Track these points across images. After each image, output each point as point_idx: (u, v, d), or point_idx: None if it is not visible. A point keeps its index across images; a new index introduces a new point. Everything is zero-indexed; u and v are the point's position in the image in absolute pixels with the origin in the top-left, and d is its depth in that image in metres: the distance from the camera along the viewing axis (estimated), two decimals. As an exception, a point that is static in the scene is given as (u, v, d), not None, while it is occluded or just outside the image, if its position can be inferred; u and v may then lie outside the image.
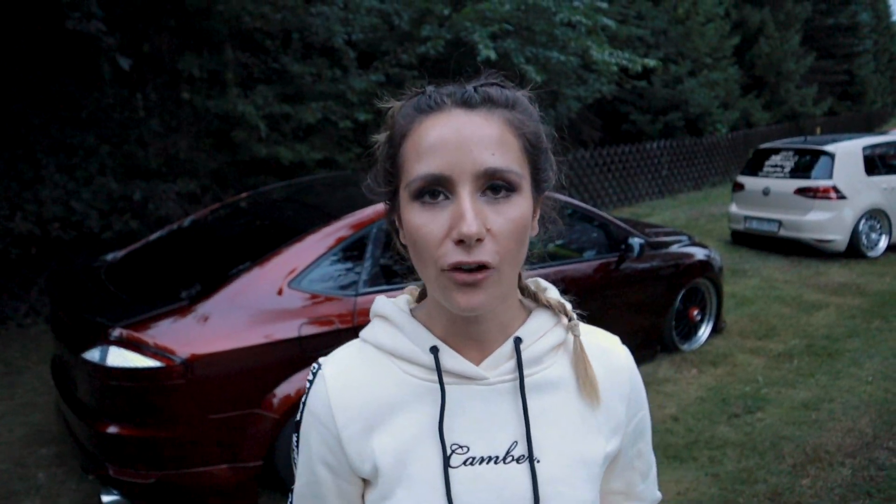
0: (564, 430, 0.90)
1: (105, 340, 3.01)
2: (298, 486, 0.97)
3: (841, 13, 25.76)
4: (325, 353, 0.97)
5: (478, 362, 0.89)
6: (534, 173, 0.85)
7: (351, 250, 3.59)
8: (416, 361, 0.89)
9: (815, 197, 8.64)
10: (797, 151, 9.26)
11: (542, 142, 0.86)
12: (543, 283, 1.00)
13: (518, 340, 0.89)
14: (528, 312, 0.95)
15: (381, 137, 0.89)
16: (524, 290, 0.98)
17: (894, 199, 8.86)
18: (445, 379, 0.88)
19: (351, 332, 3.41)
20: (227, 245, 4.00)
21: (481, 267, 0.77)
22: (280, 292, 3.32)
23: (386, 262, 3.73)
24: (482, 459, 0.86)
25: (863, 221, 8.70)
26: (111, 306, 3.39)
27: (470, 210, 0.76)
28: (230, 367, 3.10)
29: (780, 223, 8.96)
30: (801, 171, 9.01)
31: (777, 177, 9.17)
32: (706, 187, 16.17)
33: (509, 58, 8.10)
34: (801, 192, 8.74)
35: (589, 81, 10.61)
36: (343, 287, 3.48)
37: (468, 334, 0.89)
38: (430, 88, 0.85)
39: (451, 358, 0.88)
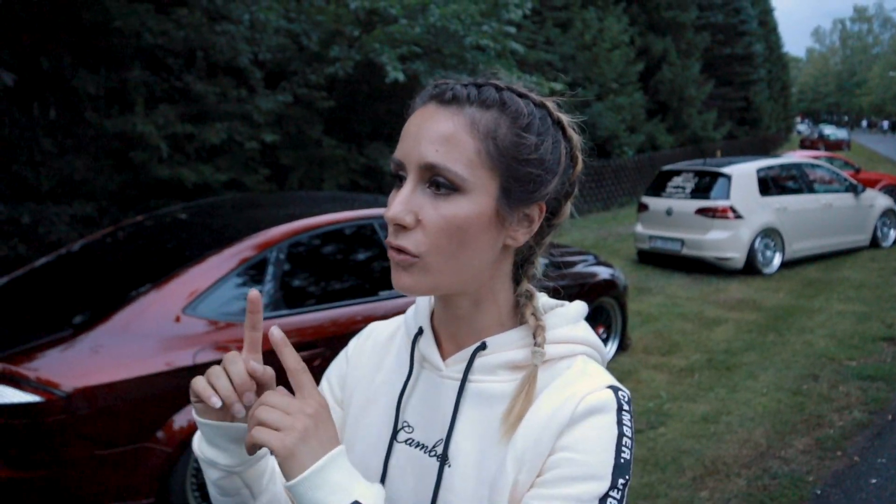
0: (486, 445, 0.86)
1: (-23, 375, 2.80)
2: None
3: (737, 44, 27.24)
4: None
5: (450, 356, 0.92)
6: (505, 181, 0.82)
7: (253, 272, 3.49)
8: (411, 336, 0.97)
9: (714, 217, 9.02)
10: (697, 173, 9.66)
11: (523, 152, 0.82)
12: (547, 300, 0.97)
13: (483, 346, 0.89)
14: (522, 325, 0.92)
15: None
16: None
17: (786, 219, 9.36)
18: (420, 361, 0.95)
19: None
20: (120, 270, 3.80)
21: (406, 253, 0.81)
22: (177, 319, 3.19)
23: (290, 285, 3.63)
24: (418, 444, 0.91)
25: (758, 240, 9.13)
26: (-13, 338, 3.16)
27: (401, 196, 0.81)
28: (119, 400, 2.94)
29: (682, 242, 9.30)
30: (700, 191, 9.39)
31: (679, 197, 9.53)
32: (614, 208, 16.65)
33: (418, 80, 8.13)
34: (702, 211, 9.12)
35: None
36: (242, 312, 3.37)
37: (448, 328, 0.93)
38: (438, 82, 0.88)
39: (425, 342, 0.94)
